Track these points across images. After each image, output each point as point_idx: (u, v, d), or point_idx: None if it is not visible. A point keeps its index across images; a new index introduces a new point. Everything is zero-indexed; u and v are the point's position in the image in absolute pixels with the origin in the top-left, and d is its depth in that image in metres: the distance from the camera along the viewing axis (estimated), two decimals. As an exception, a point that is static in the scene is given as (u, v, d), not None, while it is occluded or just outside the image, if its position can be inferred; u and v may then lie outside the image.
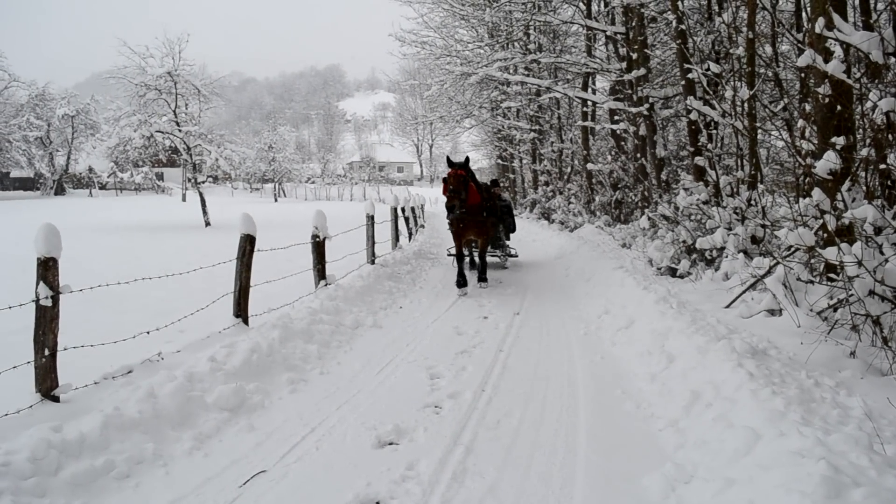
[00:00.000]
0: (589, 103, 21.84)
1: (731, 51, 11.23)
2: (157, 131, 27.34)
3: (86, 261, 13.78)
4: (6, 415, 4.47)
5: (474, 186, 11.63)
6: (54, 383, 4.82)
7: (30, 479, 3.90)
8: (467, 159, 11.69)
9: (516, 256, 15.35)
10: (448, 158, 11.98)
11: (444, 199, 12.40)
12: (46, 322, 4.75)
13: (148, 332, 6.18)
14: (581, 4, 21.07)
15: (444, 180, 11.47)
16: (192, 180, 29.64)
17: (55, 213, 34.83)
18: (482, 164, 48.24)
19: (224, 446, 4.81)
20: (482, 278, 12.09)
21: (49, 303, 4.74)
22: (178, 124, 27.92)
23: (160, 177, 38.21)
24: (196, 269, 7.83)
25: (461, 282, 11.27)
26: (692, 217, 10.74)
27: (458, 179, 11.10)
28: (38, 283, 4.73)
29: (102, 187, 63.06)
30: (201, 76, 30.73)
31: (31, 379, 4.78)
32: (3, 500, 3.69)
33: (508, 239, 15.29)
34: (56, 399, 4.80)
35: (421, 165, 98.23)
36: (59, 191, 62.27)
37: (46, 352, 4.75)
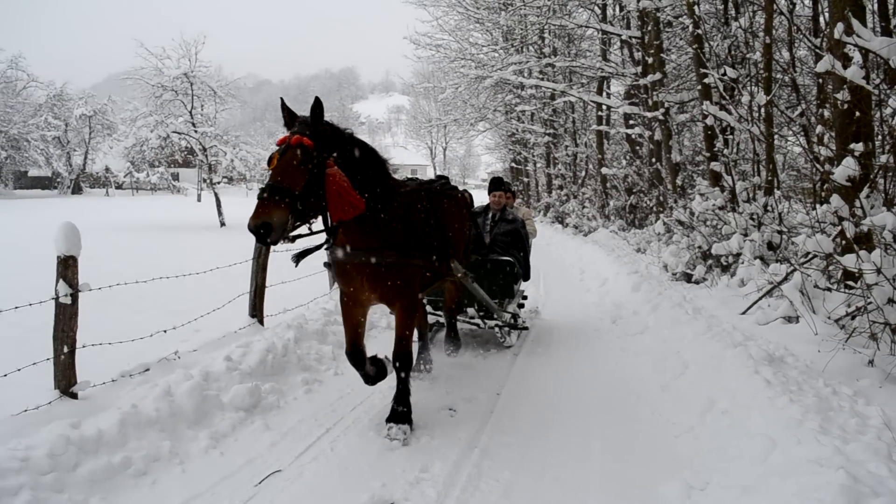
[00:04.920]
0: (604, 107, 21.82)
1: (747, 56, 11.20)
2: (174, 132, 27.51)
3: (103, 259, 13.87)
4: (25, 411, 4.50)
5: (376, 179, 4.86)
6: (73, 380, 4.85)
7: (48, 475, 3.93)
8: (320, 112, 4.37)
9: (526, 328, 8.49)
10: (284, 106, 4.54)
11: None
12: (66, 320, 4.78)
13: (165, 331, 6.21)
14: (596, 8, 21.08)
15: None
16: (208, 181, 29.76)
17: (73, 211, 35.07)
18: (496, 168, 48.10)
19: (240, 445, 4.83)
20: (448, 344, 7.26)
21: (68, 300, 4.77)
22: (194, 125, 28.07)
23: (176, 177, 38.46)
24: (212, 269, 7.87)
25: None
26: (708, 222, 10.69)
27: (293, 160, 4.15)
28: (57, 281, 4.77)
29: (119, 187, 63.41)
30: (217, 77, 30.94)
31: (51, 376, 4.82)
32: (23, 495, 3.72)
33: (515, 285, 8.37)
34: (74, 396, 4.84)
35: (434, 168, 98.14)
36: (77, 190, 62.66)
37: (65, 349, 4.78)
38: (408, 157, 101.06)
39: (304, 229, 4.36)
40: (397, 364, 5.12)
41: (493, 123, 35.44)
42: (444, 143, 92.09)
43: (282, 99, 4.59)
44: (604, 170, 20.94)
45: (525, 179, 38.94)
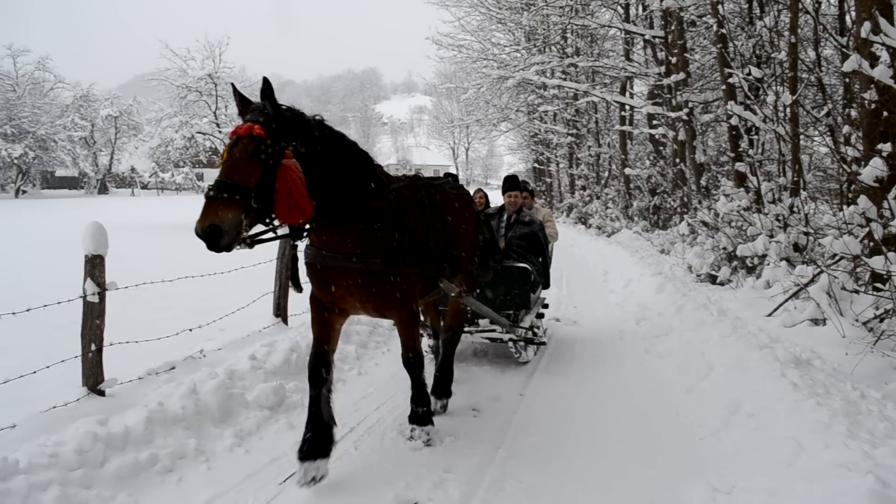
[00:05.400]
0: (627, 108, 21.71)
1: (772, 55, 11.11)
2: (198, 132, 27.78)
3: (129, 259, 14.03)
4: (54, 407, 4.57)
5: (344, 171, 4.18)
6: (100, 378, 4.92)
7: (77, 471, 3.99)
8: (270, 94, 3.69)
9: (543, 344, 7.41)
10: (236, 93, 3.95)
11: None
12: (93, 318, 4.85)
13: (190, 330, 6.27)
14: (619, 8, 20.98)
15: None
16: (231, 181, 29.95)
17: (99, 211, 35.49)
18: (519, 168, 48.02)
19: (264, 444, 4.87)
20: (439, 392, 5.69)
21: (96, 299, 4.84)
22: (218, 126, 28.34)
23: (200, 177, 38.75)
24: (236, 268, 7.93)
25: (305, 450, 4.23)
26: (733, 223, 10.60)
27: (243, 152, 3.57)
28: (85, 280, 4.84)
29: (144, 187, 64.15)
30: (241, 78, 31.19)
31: (79, 373, 4.89)
32: (52, 491, 3.77)
33: (532, 294, 7.45)
34: (102, 393, 4.90)
35: (457, 168, 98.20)
36: (103, 190, 63.39)
37: (93, 347, 4.85)
38: (430, 157, 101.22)
39: (264, 232, 3.82)
40: (408, 364, 4.80)
41: (515, 124, 35.40)
42: (467, 144, 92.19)
43: (233, 85, 4.11)
44: (627, 170, 20.84)
45: (548, 180, 38.84)
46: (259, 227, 3.74)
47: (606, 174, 27.49)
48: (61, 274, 6.97)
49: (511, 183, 8.02)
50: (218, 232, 3.37)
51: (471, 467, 4.44)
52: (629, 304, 10.13)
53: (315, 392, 4.42)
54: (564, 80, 24.80)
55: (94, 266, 4.83)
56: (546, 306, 8.43)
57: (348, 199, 4.13)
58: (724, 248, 10.57)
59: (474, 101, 34.15)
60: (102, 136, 64.05)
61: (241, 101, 3.87)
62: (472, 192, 8.75)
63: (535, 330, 7.29)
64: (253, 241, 3.70)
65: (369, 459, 4.58)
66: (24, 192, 53.14)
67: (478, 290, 6.62)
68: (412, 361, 4.80)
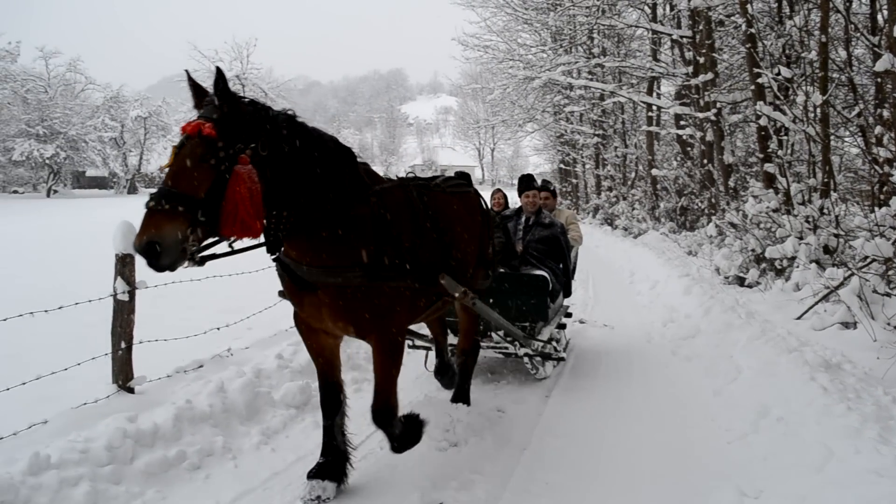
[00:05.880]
0: (654, 108, 21.56)
1: (802, 55, 10.97)
2: (226, 133, 28.03)
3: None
4: (85, 404, 4.65)
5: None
6: (130, 375, 4.99)
7: (106, 467, 4.07)
8: (223, 86, 3.18)
9: (562, 360, 6.83)
10: (190, 81, 3.39)
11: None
12: (123, 316, 4.92)
13: (218, 329, 6.34)
14: (646, 8, 20.83)
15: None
16: (258, 181, 30.22)
17: (129, 210, 35.94)
18: (544, 169, 47.88)
19: (291, 442, 4.91)
20: (457, 397, 5.57)
21: (126, 297, 4.91)
22: (245, 126, 28.55)
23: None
24: (264, 267, 7.98)
25: (315, 471, 4.14)
26: (761, 225, 10.48)
27: (191, 155, 3.09)
28: (115, 279, 4.91)
29: (172, 187, 64.80)
30: (268, 79, 31.52)
31: (109, 370, 4.96)
32: (83, 486, 3.84)
33: (551, 304, 6.78)
34: (131, 390, 4.97)
35: (482, 169, 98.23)
36: (132, 190, 64.10)
37: (123, 345, 4.92)
38: (456, 157, 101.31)
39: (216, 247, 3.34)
40: (377, 418, 3.98)
41: (541, 124, 35.27)
42: (492, 144, 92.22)
43: (186, 72, 3.46)
44: (654, 171, 20.68)
45: (574, 181, 38.68)
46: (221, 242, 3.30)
47: (633, 175, 27.32)
48: (92, 272, 7.06)
49: (527, 182, 7.45)
50: (157, 249, 2.91)
51: (496, 468, 4.44)
52: (656, 306, 10.07)
53: (328, 422, 4.23)
54: (591, 80, 24.67)
55: (125, 265, 4.90)
56: (569, 315, 7.89)
57: (322, 207, 3.58)
58: (753, 250, 10.46)
59: (500, 102, 34.06)
60: (132, 136, 64.80)
61: (196, 92, 3.31)
62: (490, 193, 8.39)
63: (553, 344, 6.67)
64: (203, 258, 3.21)
65: (394, 459, 4.58)
66: (55, 191, 53.94)
67: (491, 300, 6.09)
68: (381, 414, 3.96)
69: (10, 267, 11.86)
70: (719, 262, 11.30)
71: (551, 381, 6.50)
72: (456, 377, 5.69)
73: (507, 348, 6.36)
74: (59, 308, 4.90)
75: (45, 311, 4.80)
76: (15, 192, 54.46)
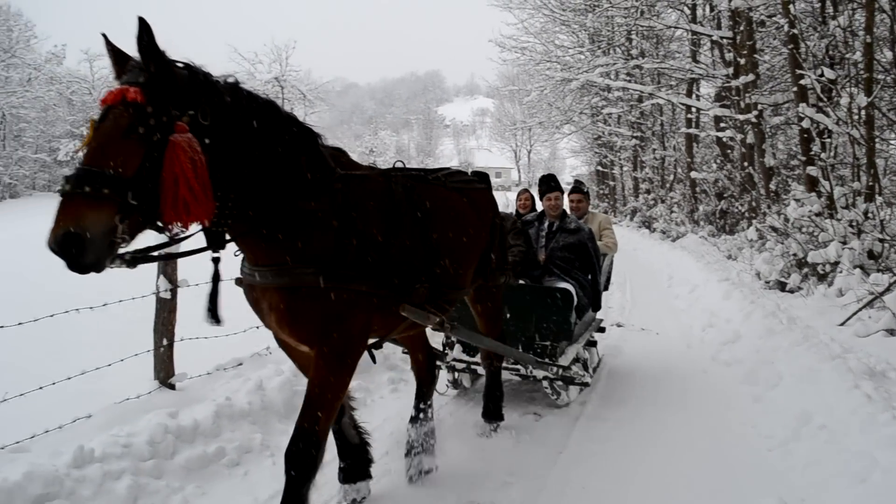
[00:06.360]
0: (693, 110, 21.32)
1: (846, 56, 10.79)
2: (265, 134, 28.41)
3: (200, 256, 14.39)
4: (127, 399, 4.74)
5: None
6: (171, 372, 5.08)
7: (148, 462, 4.14)
8: (150, 42, 2.54)
9: (586, 385, 5.88)
10: (108, 45, 2.69)
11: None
12: (165, 314, 5.02)
13: (257, 327, 6.39)
14: (686, 8, 20.64)
15: None
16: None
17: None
18: (581, 171, 47.60)
19: (327, 441, 4.93)
20: (490, 415, 5.17)
21: (168, 295, 5.01)
22: (283, 128, 28.91)
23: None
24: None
25: (343, 476, 4.05)
26: (803, 229, 10.32)
27: (115, 128, 2.50)
28: (158, 277, 5.01)
29: (212, 187, 65.78)
30: (306, 81, 31.77)
31: (151, 367, 5.06)
32: (125, 480, 3.92)
33: (576, 320, 5.95)
34: (172, 387, 5.06)
35: (519, 171, 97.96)
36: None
37: (165, 342, 5.02)
38: (492, 159, 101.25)
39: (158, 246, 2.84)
40: (289, 458, 3.22)
41: (578, 126, 35.11)
42: (529, 146, 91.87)
43: (104, 35, 2.75)
44: (693, 174, 20.46)
45: (611, 183, 38.44)
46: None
47: (671, 178, 27.04)
48: (135, 270, 7.16)
49: (549, 183, 6.56)
50: (77, 243, 2.28)
51: (532, 471, 4.42)
52: (695, 310, 9.95)
53: (336, 426, 3.87)
54: (629, 81, 24.48)
55: (167, 263, 4.99)
56: (602, 330, 7.14)
57: (273, 193, 3.00)
58: (795, 255, 10.30)
59: (537, 104, 34.03)
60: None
61: (116, 58, 2.66)
62: (517, 193, 8.11)
63: (575, 368, 5.74)
64: (135, 258, 2.63)
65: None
66: (99, 191, 55.05)
67: (508, 316, 5.53)
68: (296, 455, 3.20)
69: (58, 263, 12.13)
70: (760, 266, 11.15)
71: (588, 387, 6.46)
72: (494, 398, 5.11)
73: (519, 370, 5.66)
74: (104, 305, 5.01)
75: (91, 307, 4.91)
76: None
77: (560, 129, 36.39)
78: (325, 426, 3.24)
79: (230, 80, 2.96)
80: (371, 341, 3.68)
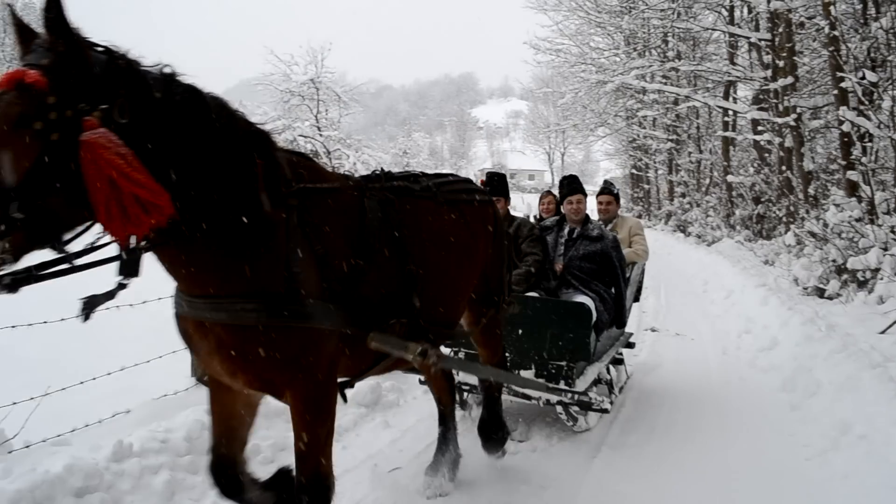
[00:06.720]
0: (730, 113, 21.06)
1: (888, 58, 10.58)
2: (300, 135, 28.58)
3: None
4: (165, 395, 4.83)
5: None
6: (207, 369, 5.15)
7: (185, 457, 4.23)
8: (58, 16, 2.02)
9: (605, 411, 5.15)
10: (13, 18, 2.19)
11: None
12: (202, 312, 5.08)
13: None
14: (723, 10, 20.40)
15: None
16: (331, 183, 30.81)
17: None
18: (616, 174, 47.27)
19: (361, 441, 4.99)
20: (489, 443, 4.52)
21: (206, 294, 5.05)
22: (319, 129, 29.08)
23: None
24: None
25: None
26: (843, 235, 10.14)
27: (10, 110, 1.95)
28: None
29: (247, 188, 66.46)
30: (341, 83, 31.91)
31: (188, 363, 5.14)
32: (162, 474, 4.00)
33: (591, 340, 5.27)
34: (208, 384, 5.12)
35: (552, 173, 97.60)
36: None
37: (201, 339, 5.07)
38: (525, 161, 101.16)
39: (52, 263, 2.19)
40: (305, 500, 2.80)
41: (613, 129, 34.89)
42: (563, 149, 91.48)
43: (9, 6, 2.57)
44: (729, 177, 20.20)
45: (646, 186, 38.10)
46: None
47: (707, 181, 26.73)
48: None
49: (571, 185, 5.92)
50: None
51: (566, 475, 4.41)
52: (730, 316, 9.84)
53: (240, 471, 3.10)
54: (665, 84, 24.25)
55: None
56: (631, 346, 6.64)
57: (209, 207, 2.42)
58: (834, 261, 10.12)
59: (571, 106, 33.89)
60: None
61: (22, 35, 2.15)
62: (539, 196, 7.62)
63: (592, 393, 5.04)
64: (17, 281, 2.05)
65: (464, 462, 4.59)
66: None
67: (519, 332, 5.12)
68: (312, 489, 2.82)
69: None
70: (798, 272, 10.96)
71: (623, 390, 6.42)
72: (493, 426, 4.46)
73: (530, 397, 5.05)
74: (143, 303, 5.09)
75: (131, 304, 4.99)
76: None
77: (594, 131, 36.21)
78: (326, 468, 2.88)
79: (166, 69, 2.40)
80: (342, 380, 3.09)
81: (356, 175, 3.64)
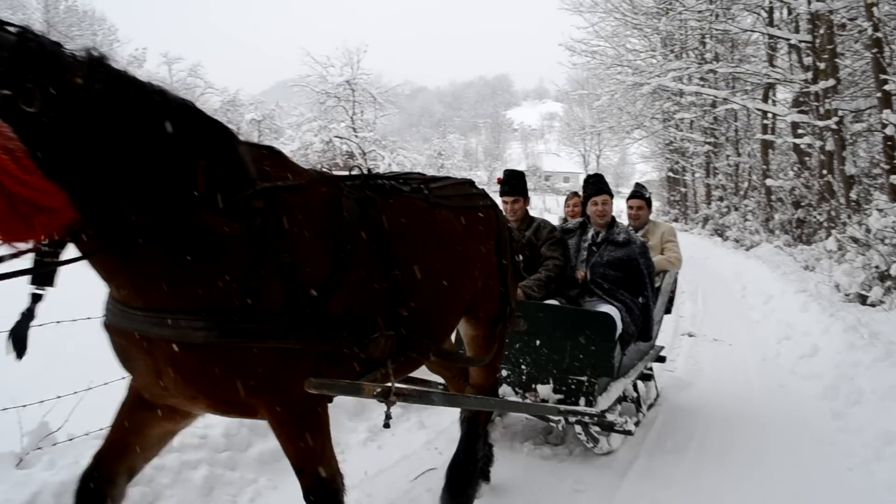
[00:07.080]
0: (769, 115, 20.76)
1: (936, 60, 10.36)
2: (336, 136, 28.83)
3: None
4: (205, 393, 4.88)
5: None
6: (246, 368, 5.21)
7: (223, 453, 4.29)
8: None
9: (629, 433, 4.81)
10: None
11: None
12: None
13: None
14: (762, 12, 20.12)
15: None
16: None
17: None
18: (652, 177, 46.86)
19: (396, 441, 5.00)
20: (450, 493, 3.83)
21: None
22: (354, 130, 29.33)
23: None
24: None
25: None
26: (886, 240, 9.95)
27: None
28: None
29: (282, 189, 67.05)
30: (377, 85, 32.16)
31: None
32: (201, 470, 4.07)
33: (615, 354, 4.75)
34: (248, 383, 5.19)
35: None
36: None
37: (241, 339, 5.13)
38: (560, 164, 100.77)
39: None
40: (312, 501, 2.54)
41: (649, 131, 34.54)
42: (598, 151, 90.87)
43: None
44: (769, 181, 19.92)
45: (682, 189, 37.70)
46: None
47: (746, 185, 26.38)
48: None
49: (596, 185, 5.45)
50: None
51: (602, 481, 4.39)
52: (770, 322, 9.71)
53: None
54: (702, 86, 23.96)
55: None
56: (662, 359, 6.26)
57: (147, 209, 2.12)
58: (877, 267, 9.93)
59: (607, 108, 33.67)
60: (246, 138, 67.41)
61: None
62: (565, 198, 7.50)
63: (613, 415, 4.62)
64: None
65: (498, 466, 4.59)
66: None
67: (537, 342, 4.74)
68: (319, 496, 2.56)
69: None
70: (839, 278, 10.77)
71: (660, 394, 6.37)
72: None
73: (553, 412, 4.54)
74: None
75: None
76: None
77: (630, 134, 35.89)
78: (330, 474, 2.58)
79: (95, 53, 2.07)
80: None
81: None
